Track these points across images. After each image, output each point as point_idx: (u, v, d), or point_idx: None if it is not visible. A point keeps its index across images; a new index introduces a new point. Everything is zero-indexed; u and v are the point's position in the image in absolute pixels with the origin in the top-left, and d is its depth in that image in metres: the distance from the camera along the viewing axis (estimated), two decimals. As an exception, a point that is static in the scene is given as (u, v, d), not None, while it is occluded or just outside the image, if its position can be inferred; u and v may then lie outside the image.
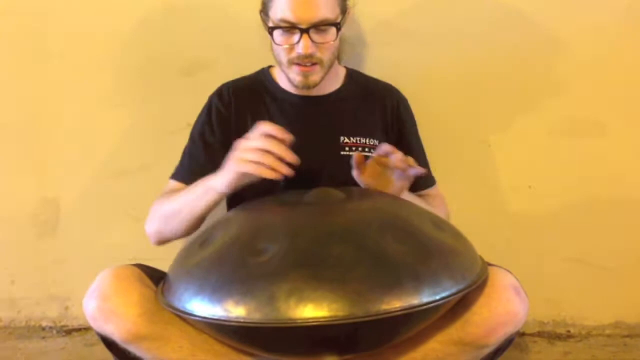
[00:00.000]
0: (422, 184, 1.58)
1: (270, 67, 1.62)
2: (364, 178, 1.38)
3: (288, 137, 1.25)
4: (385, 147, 1.35)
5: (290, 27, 1.39)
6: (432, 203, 1.56)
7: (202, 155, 1.51)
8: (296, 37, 1.39)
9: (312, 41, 1.39)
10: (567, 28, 1.77)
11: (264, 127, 1.25)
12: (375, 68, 1.75)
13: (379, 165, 1.37)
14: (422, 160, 1.60)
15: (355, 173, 1.38)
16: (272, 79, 1.58)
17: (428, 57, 1.80)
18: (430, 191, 1.62)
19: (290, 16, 1.37)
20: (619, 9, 1.76)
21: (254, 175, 1.24)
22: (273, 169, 1.22)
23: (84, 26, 1.84)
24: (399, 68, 1.77)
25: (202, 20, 1.82)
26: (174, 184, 1.51)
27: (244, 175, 1.26)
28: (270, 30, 1.42)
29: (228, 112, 1.54)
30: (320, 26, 1.39)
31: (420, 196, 1.57)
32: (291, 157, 1.22)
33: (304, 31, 1.38)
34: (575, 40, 1.77)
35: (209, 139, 1.52)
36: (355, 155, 1.37)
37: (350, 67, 1.66)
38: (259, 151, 1.22)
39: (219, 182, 1.31)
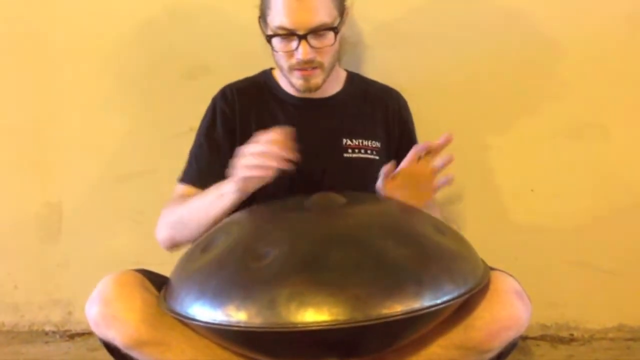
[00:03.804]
0: None
1: (272, 68, 1.62)
2: (389, 190, 1.37)
3: (287, 133, 1.27)
4: (423, 146, 1.35)
5: (287, 34, 1.39)
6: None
7: (209, 157, 1.50)
8: (294, 43, 1.39)
9: (311, 46, 1.39)
10: (570, 32, 1.77)
11: (263, 134, 1.27)
12: (377, 71, 1.75)
13: (407, 175, 1.36)
14: None
15: (379, 184, 1.38)
16: (274, 81, 1.58)
17: (429, 59, 1.80)
18: None
19: (287, 22, 1.37)
20: (621, 12, 1.76)
21: (259, 178, 1.27)
22: (271, 167, 1.24)
23: (87, 30, 1.85)
24: (400, 71, 1.77)
25: (205, 24, 1.83)
26: (183, 187, 1.51)
27: (249, 179, 1.28)
28: (268, 38, 1.42)
29: (232, 112, 1.54)
30: (317, 31, 1.39)
31: None
32: (289, 153, 1.25)
33: (302, 37, 1.38)
34: (578, 43, 1.77)
35: (215, 140, 1.52)
36: (385, 167, 1.36)
37: (352, 69, 1.66)
38: (257, 155, 1.25)
39: (230, 188, 1.32)
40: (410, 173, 1.36)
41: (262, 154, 1.24)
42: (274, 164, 1.24)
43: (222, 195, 1.34)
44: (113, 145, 1.89)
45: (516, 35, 1.78)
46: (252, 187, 1.30)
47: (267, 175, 1.26)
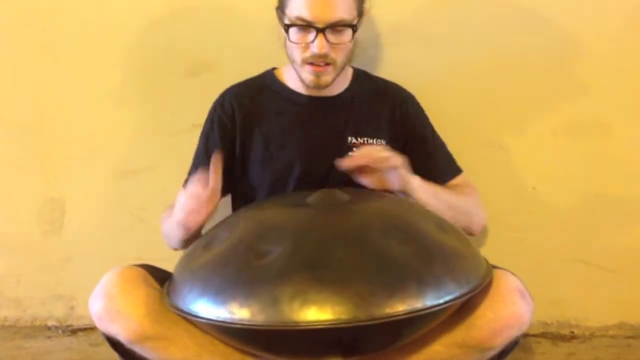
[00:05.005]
0: (446, 174, 1.58)
1: (274, 68, 1.62)
2: (364, 179, 1.39)
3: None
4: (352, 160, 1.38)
5: (306, 26, 1.39)
6: (462, 191, 1.53)
7: (206, 164, 1.49)
8: (311, 35, 1.40)
9: (327, 41, 1.39)
10: (573, 31, 1.76)
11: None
12: (386, 69, 1.75)
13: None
14: (440, 152, 1.60)
15: (355, 178, 1.39)
16: (278, 80, 1.58)
17: (437, 58, 1.79)
18: (457, 180, 1.59)
19: (307, 14, 1.38)
20: (625, 10, 1.75)
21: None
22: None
23: (90, 26, 1.84)
24: (408, 69, 1.76)
25: (208, 21, 1.82)
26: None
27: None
28: (286, 28, 1.42)
29: (231, 122, 1.54)
30: (336, 26, 1.39)
31: (448, 187, 1.55)
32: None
33: (320, 30, 1.38)
34: (581, 42, 1.77)
35: (212, 148, 1.52)
36: (339, 164, 1.38)
37: (362, 68, 1.66)
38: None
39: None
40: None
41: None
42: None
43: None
44: (116, 142, 1.89)
45: (521, 35, 1.77)
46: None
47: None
